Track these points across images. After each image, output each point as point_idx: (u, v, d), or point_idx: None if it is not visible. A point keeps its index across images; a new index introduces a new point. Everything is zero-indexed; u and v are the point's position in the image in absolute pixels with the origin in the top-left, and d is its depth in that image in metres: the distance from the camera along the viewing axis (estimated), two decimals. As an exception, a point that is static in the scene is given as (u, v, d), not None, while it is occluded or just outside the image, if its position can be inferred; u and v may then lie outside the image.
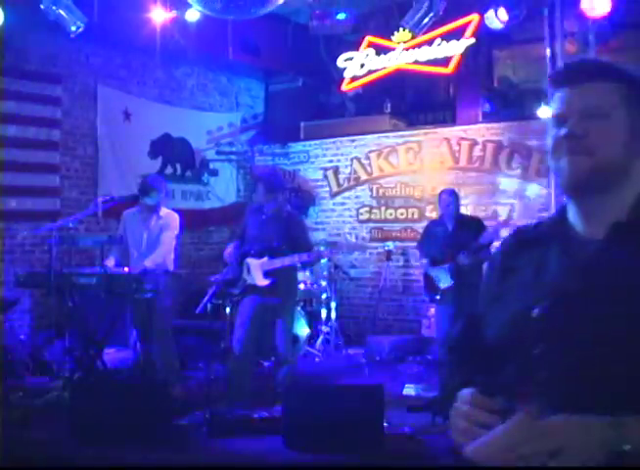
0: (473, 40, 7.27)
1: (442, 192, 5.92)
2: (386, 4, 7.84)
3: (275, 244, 5.06)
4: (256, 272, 5.05)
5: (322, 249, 6.08)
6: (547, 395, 1.12)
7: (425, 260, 5.98)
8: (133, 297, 5.15)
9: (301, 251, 5.01)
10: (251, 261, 5.08)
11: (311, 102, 9.46)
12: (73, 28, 5.62)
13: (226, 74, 9.21)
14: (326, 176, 8.83)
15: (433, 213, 7.81)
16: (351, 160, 8.65)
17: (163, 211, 5.55)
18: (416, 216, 8.17)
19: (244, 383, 5.12)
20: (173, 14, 6.44)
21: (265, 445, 4.32)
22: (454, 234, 5.68)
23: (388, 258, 8.07)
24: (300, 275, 6.62)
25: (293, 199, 8.28)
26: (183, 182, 8.71)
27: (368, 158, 8.53)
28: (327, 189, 8.83)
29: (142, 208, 5.51)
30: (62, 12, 5.52)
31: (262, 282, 5.03)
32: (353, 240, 5.41)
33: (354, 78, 8.14)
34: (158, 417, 4.38)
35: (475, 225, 5.77)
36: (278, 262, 4.98)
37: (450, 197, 5.71)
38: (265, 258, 5.01)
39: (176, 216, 5.59)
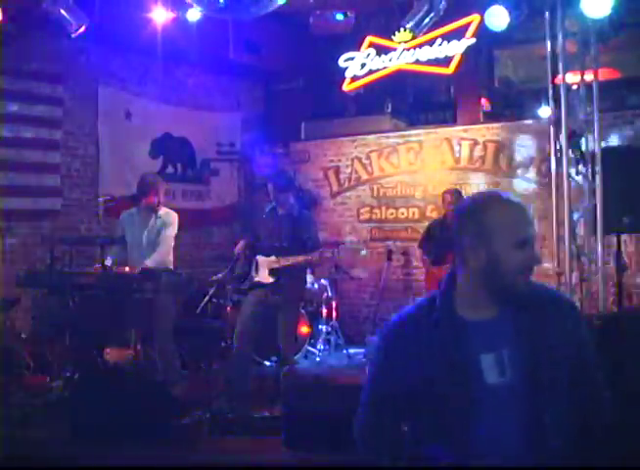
0: (473, 40, 7.26)
1: (446, 192, 5.90)
2: (386, 4, 7.83)
3: (283, 243, 5.10)
4: (263, 270, 5.11)
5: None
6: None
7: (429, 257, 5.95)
8: (133, 296, 5.15)
9: (308, 251, 5.04)
10: (260, 259, 5.14)
11: (312, 102, 9.45)
12: (74, 28, 5.62)
13: (226, 74, 9.20)
14: (327, 176, 8.82)
15: (433, 213, 7.81)
16: (352, 159, 8.65)
17: (163, 209, 5.54)
18: (417, 216, 8.16)
19: (244, 379, 5.12)
20: (174, 14, 6.44)
21: (265, 445, 4.32)
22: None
23: (389, 258, 8.08)
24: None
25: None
26: (184, 182, 8.70)
27: (369, 157, 8.53)
28: (327, 189, 8.83)
29: (140, 207, 5.51)
30: (62, 12, 5.52)
31: (267, 280, 5.08)
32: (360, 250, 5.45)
33: (355, 78, 8.13)
34: (158, 417, 4.38)
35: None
36: (283, 261, 5.03)
37: (454, 197, 5.70)
38: (272, 257, 5.06)
39: (175, 215, 5.58)
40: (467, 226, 1.70)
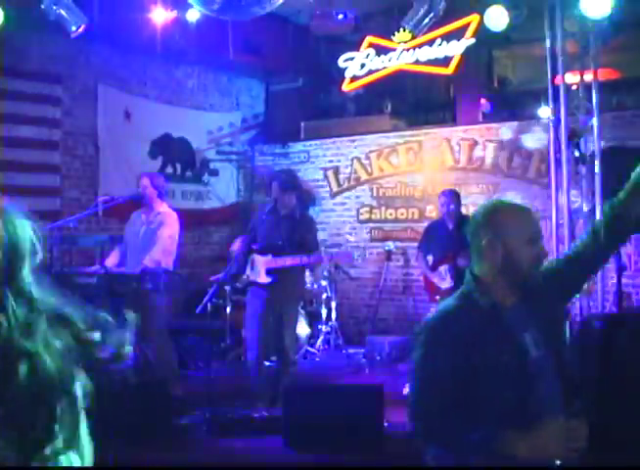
0: (473, 40, 7.26)
1: (443, 192, 5.90)
2: (386, 4, 7.83)
3: (281, 243, 5.07)
4: (260, 269, 5.08)
5: (323, 248, 6.09)
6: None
7: (427, 259, 5.95)
8: (132, 296, 5.15)
9: (305, 253, 5.01)
10: (257, 258, 5.11)
11: (311, 102, 9.46)
12: (74, 28, 5.61)
13: (226, 74, 9.21)
14: (326, 176, 8.83)
15: (433, 213, 7.81)
16: (352, 160, 8.65)
17: (162, 208, 5.53)
18: (416, 216, 8.17)
19: (259, 382, 5.13)
20: (174, 14, 6.44)
21: (265, 445, 4.33)
22: (455, 234, 5.68)
23: (389, 259, 8.08)
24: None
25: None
26: (183, 182, 8.70)
27: (368, 158, 8.53)
28: (327, 189, 8.83)
29: (144, 206, 5.54)
30: (62, 12, 5.51)
31: (264, 279, 5.05)
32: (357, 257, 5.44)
33: (355, 78, 8.14)
34: (157, 417, 4.38)
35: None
36: (280, 262, 5.00)
37: (451, 197, 5.70)
38: (269, 256, 5.04)
39: (174, 215, 5.55)
40: (483, 229, 1.95)
